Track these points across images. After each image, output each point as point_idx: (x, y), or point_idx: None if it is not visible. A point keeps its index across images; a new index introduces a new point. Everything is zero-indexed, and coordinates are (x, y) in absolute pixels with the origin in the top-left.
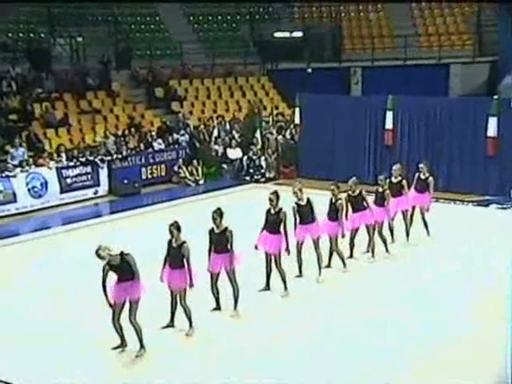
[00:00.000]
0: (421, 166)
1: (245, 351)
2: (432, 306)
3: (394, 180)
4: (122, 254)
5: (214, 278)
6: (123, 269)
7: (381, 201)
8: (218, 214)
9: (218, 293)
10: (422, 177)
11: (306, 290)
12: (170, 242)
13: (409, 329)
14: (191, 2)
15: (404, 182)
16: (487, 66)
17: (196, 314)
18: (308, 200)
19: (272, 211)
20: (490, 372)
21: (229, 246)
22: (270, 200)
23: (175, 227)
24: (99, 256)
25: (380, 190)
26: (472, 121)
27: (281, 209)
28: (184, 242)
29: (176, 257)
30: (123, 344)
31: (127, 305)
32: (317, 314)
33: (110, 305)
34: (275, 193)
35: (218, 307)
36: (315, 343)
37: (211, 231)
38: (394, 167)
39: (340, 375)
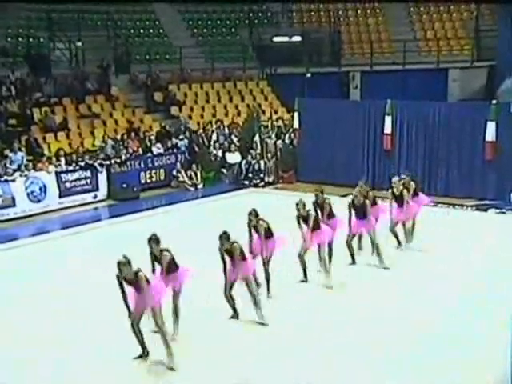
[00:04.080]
0: (393, 180)
1: (244, 356)
2: (431, 308)
3: (396, 192)
4: (136, 272)
5: (229, 286)
6: (136, 284)
7: (360, 213)
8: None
9: (233, 299)
10: (396, 192)
11: (306, 295)
12: (151, 253)
13: (408, 330)
14: (191, 1)
15: (405, 192)
16: (485, 70)
17: (197, 320)
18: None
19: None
20: (489, 373)
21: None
22: (250, 220)
23: (154, 241)
24: (119, 268)
25: (360, 200)
26: (470, 125)
27: (259, 220)
28: (162, 251)
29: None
30: (144, 353)
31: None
32: (316, 319)
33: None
34: (254, 211)
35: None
36: (315, 347)
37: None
38: (393, 179)
39: (338, 375)
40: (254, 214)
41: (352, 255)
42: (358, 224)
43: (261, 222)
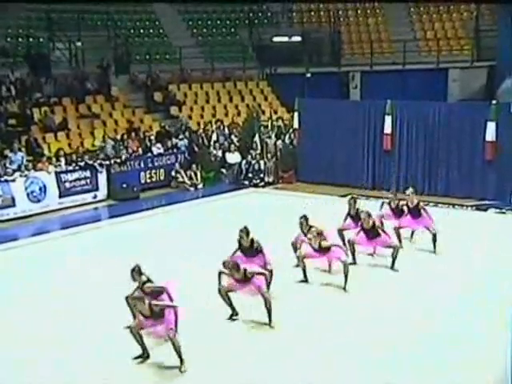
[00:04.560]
0: (407, 192)
1: (244, 356)
2: (431, 308)
3: (410, 205)
4: (150, 304)
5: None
6: (152, 317)
7: (371, 234)
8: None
9: (229, 298)
10: (410, 205)
11: (306, 295)
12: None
13: (408, 330)
14: (191, 1)
15: (421, 204)
16: (485, 70)
17: (197, 321)
18: (319, 245)
19: (245, 244)
20: (489, 373)
21: None
22: (240, 237)
23: (136, 272)
24: (134, 304)
25: (370, 223)
26: (470, 125)
27: (252, 239)
28: (145, 283)
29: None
30: (144, 354)
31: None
32: (316, 319)
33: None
34: (245, 229)
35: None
36: (315, 347)
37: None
38: (407, 192)
39: (338, 375)
40: (245, 231)
41: (353, 254)
42: (370, 243)
43: (255, 243)
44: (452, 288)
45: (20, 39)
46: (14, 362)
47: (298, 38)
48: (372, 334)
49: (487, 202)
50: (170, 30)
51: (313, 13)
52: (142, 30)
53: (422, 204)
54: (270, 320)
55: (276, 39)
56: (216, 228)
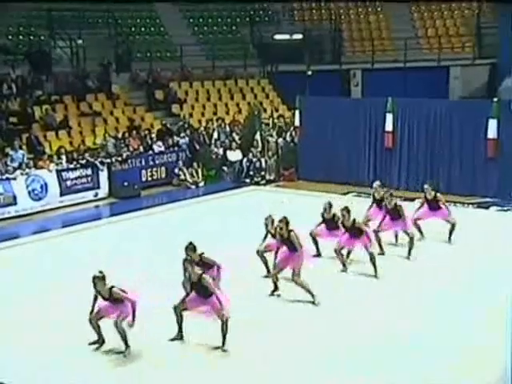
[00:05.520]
0: (425, 186)
1: (240, 358)
2: (431, 307)
3: (376, 196)
4: (110, 288)
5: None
6: (111, 300)
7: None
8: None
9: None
10: (429, 197)
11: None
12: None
13: (407, 330)
14: (192, 2)
15: (387, 195)
16: (487, 68)
17: (196, 322)
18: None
19: (285, 236)
20: (489, 371)
21: None
22: (280, 228)
23: (191, 249)
24: (94, 282)
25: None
26: (472, 123)
27: (290, 231)
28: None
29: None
30: (99, 341)
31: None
32: (315, 323)
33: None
34: (285, 219)
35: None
36: (312, 351)
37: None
38: (374, 184)
39: (338, 376)
40: (285, 220)
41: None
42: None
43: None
44: (452, 286)
45: (21, 37)
46: (14, 361)
47: (299, 36)
48: (368, 333)
49: (489, 200)
50: (171, 27)
51: (314, 11)
52: (142, 28)
53: (439, 196)
54: (223, 343)
55: (277, 37)
56: (217, 226)
